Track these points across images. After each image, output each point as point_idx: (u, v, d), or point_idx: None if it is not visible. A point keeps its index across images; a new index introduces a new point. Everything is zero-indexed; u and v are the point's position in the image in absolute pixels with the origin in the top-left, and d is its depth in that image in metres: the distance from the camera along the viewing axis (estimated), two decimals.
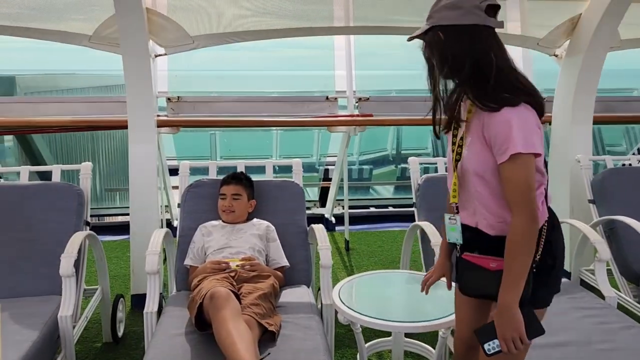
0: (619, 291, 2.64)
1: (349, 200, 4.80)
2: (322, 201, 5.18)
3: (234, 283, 1.96)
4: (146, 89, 2.94)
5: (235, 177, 2.46)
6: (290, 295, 2.23)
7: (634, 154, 4.98)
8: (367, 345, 2.24)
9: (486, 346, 1.30)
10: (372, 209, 5.40)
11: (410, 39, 1.39)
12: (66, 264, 2.02)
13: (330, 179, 4.81)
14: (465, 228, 1.42)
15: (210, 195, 2.52)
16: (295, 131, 6.50)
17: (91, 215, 5.14)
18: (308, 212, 5.14)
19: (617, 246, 2.65)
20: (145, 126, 2.97)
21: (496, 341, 1.29)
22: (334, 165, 4.77)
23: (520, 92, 1.28)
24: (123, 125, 3.05)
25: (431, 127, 1.50)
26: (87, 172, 2.62)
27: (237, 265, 2.10)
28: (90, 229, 2.52)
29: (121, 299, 2.72)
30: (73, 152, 5.17)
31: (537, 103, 1.31)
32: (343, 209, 4.42)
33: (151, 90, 2.95)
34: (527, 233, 1.27)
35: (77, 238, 2.17)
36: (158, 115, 3.56)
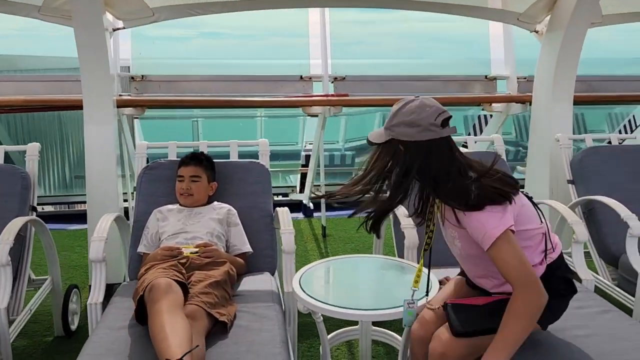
0: (597, 274, 2.55)
1: (330, 185, 4.68)
2: (303, 187, 5.05)
3: (184, 271, 1.80)
4: (102, 65, 2.74)
5: (194, 158, 2.29)
6: (251, 283, 2.08)
7: None
8: (333, 334, 2.11)
9: None
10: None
11: (370, 144, 1.47)
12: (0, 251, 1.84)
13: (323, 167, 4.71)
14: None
15: (168, 178, 2.35)
16: (281, 118, 6.35)
17: (60, 203, 5.01)
18: (285, 198, 5.07)
19: (595, 227, 2.55)
20: (101, 105, 2.78)
21: None
22: None
23: (483, 193, 1.35)
24: (79, 105, 2.86)
25: None
26: (34, 153, 2.44)
27: (191, 253, 1.94)
28: (37, 215, 2.34)
29: (74, 289, 2.56)
30: (39, 138, 4.94)
31: (505, 185, 1.40)
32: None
33: (107, 66, 2.75)
34: (530, 307, 1.32)
35: (15, 224, 1.99)
36: (120, 95, 3.38)
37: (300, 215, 4.66)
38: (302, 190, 4.98)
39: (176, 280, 1.65)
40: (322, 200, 4.11)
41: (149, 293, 1.58)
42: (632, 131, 5.27)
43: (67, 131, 5.18)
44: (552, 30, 3.19)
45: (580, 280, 2.08)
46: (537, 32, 3.38)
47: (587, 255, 2.63)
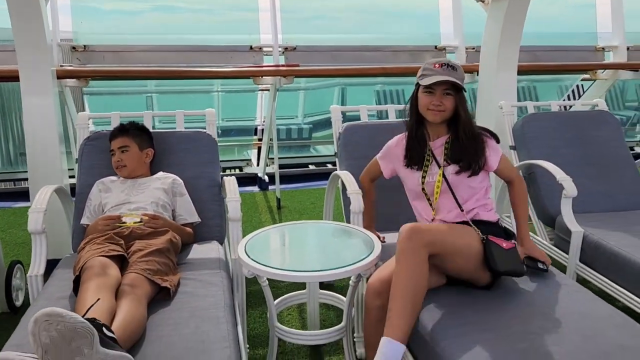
0: (536, 235, 2.67)
1: (287, 158, 4.69)
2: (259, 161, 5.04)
3: (122, 242, 1.77)
4: (38, 33, 2.61)
5: (120, 129, 2.23)
6: (198, 251, 2.08)
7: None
8: (281, 298, 2.14)
9: (541, 266, 1.83)
10: (312, 167, 5.33)
11: (454, 85, 1.78)
12: None
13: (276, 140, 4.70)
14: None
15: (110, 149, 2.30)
16: (238, 93, 6.25)
17: (5, 180, 4.81)
18: (240, 172, 5.04)
19: (535, 191, 2.66)
20: (39, 75, 2.67)
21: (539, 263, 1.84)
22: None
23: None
24: (15, 76, 2.73)
25: (375, 88, 2.42)
26: None
27: (134, 222, 1.92)
28: None
29: (18, 265, 2.49)
30: None
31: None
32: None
33: (44, 34, 2.63)
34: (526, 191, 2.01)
35: None
36: (62, 66, 3.25)
37: (255, 189, 4.66)
38: (258, 164, 4.97)
39: (113, 255, 1.64)
40: (277, 173, 4.11)
41: (83, 273, 1.56)
42: (578, 99, 5.48)
43: (10, 106, 4.94)
44: (497, 0, 3.25)
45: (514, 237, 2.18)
46: (483, 1, 3.43)
47: (529, 218, 2.76)
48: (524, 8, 3.17)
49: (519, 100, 3.04)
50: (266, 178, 4.59)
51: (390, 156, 2.04)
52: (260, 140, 5.19)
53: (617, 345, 1.41)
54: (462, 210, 1.82)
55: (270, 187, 4.53)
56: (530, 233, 2.63)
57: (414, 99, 1.89)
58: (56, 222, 2.41)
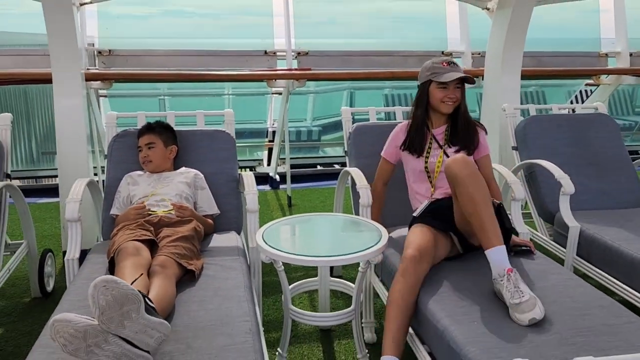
0: (537, 231, 2.81)
1: (297, 158, 4.86)
2: (270, 161, 5.21)
3: (152, 229, 1.95)
4: (70, 39, 2.81)
5: (147, 127, 2.42)
6: (218, 240, 2.25)
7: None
8: (294, 285, 2.30)
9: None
10: (320, 168, 5.50)
11: (467, 80, 2.12)
12: None
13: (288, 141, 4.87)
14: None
15: (137, 145, 2.48)
16: (248, 96, 6.43)
17: (28, 177, 5.03)
18: (253, 172, 5.21)
19: (535, 189, 2.80)
20: (70, 78, 2.86)
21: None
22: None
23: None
24: (48, 79, 2.93)
25: (383, 92, 2.56)
26: (6, 123, 2.52)
27: (162, 211, 2.09)
28: (11, 180, 2.43)
29: (49, 253, 2.68)
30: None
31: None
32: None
33: (75, 39, 2.82)
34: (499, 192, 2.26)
35: None
36: (88, 69, 3.44)
37: (267, 187, 4.83)
38: (269, 164, 5.15)
39: (143, 240, 1.81)
40: (288, 172, 4.28)
41: (117, 255, 1.73)
42: (582, 102, 5.61)
43: (34, 107, 5.17)
44: (502, 7, 3.40)
45: (517, 234, 2.32)
46: (488, 9, 3.59)
47: (530, 215, 2.90)
48: (527, 15, 3.32)
49: (526, 103, 3.19)
50: (277, 177, 4.76)
51: (397, 141, 2.28)
52: (271, 141, 5.37)
53: (601, 324, 1.55)
54: None
55: (281, 186, 4.69)
56: (531, 229, 2.79)
57: (425, 94, 2.16)
58: (85, 214, 2.59)
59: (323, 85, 5.87)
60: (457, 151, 2.13)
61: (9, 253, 2.47)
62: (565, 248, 2.49)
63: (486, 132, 2.25)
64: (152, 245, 1.88)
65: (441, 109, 2.14)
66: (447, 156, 2.12)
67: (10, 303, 2.56)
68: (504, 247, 1.73)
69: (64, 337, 1.22)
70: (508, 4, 3.32)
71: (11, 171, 4.35)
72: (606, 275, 2.27)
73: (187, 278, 1.83)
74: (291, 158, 5.11)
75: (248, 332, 1.53)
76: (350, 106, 6.43)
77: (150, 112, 2.67)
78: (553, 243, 2.66)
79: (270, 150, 5.22)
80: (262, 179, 5.02)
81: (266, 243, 1.93)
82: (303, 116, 6.47)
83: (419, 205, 2.14)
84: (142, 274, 1.56)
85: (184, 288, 1.77)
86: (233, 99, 6.28)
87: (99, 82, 3.43)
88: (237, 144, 2.61)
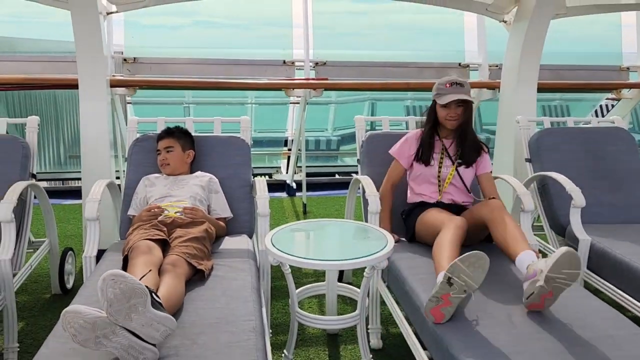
0: (548, 243, 2.80)
1: (315, 167, 4.93)
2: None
3: (165, 229, 2.02)
4: (96, 46, 2.94)
5: (167, 132, 2.51)
6: (229, 243, 2.32)
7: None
8: (301, 289, 2.35)
9: None
10: (337, 176, 5.57)
11: (464, 101, 2.30)
12: (5, 209, 2.06)
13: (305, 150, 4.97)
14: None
15: (156, 149, 2.57)
16: (271, 106, 6.56)
17: (56, 179, 5.21)
18: (269, 179, 5.31)
19: (548, 201, 2.80)
20: (96, 84, 2.99)
21: None
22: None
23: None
24: (74, 85, 3.06)
25: (405, 103, 2.84)
26: (34, 125, 2.64)
27: (175, 213, 2.17)
28: (37, 180, 2.55)
29: (70, 252, 2.78)
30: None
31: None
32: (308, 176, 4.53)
33: (101, 47, 2.96)
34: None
35: (18, 186, 2.20)
36: (114, 76, 3.58)
37: (284, 195, 4.90)
38: (287, 172, 5.23)
39: (156, 239, 1.88)
40: (304, 180, 4.34)
41: (130, 253, 1.82)
42: (602, 116, 5.55)
43: (63, 112, 5.37)
44: (519, 20, 3.42)
45: None
46: (505, 22, 3.61)
47: (542, 228, 2.89)
48: (544, 28, 3.33)
49: (550, 117, 3.21)
50: (294, 185, 4.83)
51: (411, 148, 2.45)
52: (290, 150, 5.46)
53: (603, 335, 1.56)
54: (470, 192, 2.41)
55: (297, 194, 4.76)
56: (542, 241, 2.78)
57: (433, 111, 2.40)
58: (105, 215, 2.69)
59: (344, 96, 5.95)
60: (467, 166, 2.38)
61: (32, 250, 2.58)
62: None
63: (488, 151, 2.46)
64: (165, 245, 1.96)
65: (446, 125, 2.36)
66: (458, 171, 2.38)
67: (31, 298, 2.67)
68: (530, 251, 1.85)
69: (74, 328, 1.29)
70: (525, 17, 3.34)
71: (39, 173, 4.54)
72: (616, 289, 2.25)
73: (197, 278, 1.90)
74: (310, 166, 5.19)
75: (252, 330, 1.58)
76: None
77: (170, 118, 2.77)
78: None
79: (288, 159, 5.30)
80: (280, 186, 5.11)
81: (274, 246, 1.99)
82: (324, 126, 6.56)
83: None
84: (150, 270, 1.64)
85: (193, 287, 1.84)
86: (256, 108, 6.41)
87: (123, 88, 3.56)
88: (257, 152, 2.69)
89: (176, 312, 1.65)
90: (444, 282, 1.61)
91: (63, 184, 5.21)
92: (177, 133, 2.51)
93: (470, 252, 1.61)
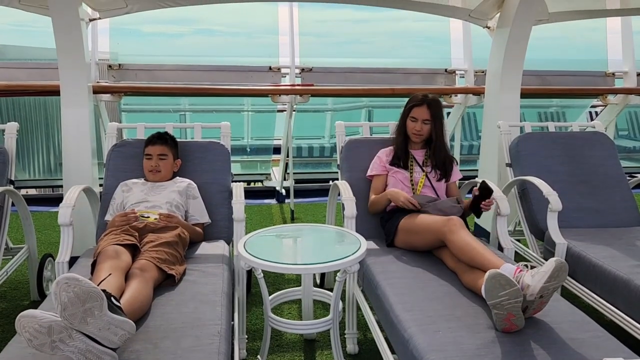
0: (528, 248, 2.80)
1: (309, 173, 4.95)
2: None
3: (136, 234, 2.02)
4: (78, 53, 2.95)
5: (160, 137, 2.51)
6: (205, 248, 2.32)
7: None
8: (277, 294, 2.34)
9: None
10: (331, 183, 5.56)
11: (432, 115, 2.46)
12: None
13: (293, 156, 4.99)
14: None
15: (135, 155, 2.58)
16: (266, 114, 6.58)
17: (45, 187, 5.20)
18: (259, 185, 5.31)
19: (527, 206, 2.80)
20: (78, 90, 2.99)
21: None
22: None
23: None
24: (57, 91, 3.07)
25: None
26: (12, 131, 2.65)
27: (151, 218, 2.17)
28: (15, 187, 2.55)
29: (49, 258, 2.78)
30: (25, 125, 5.13)
31: None
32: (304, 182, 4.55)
33: (83, 54, 2.96)
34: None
35: None
36: (98, 82, 3.59)
37: (273, 202, 4.90)
38: (284, 178, 5.21)
39: (126, 244, 1.88)
40: (292, 187, 4.34)
41: (98, 258, 1.82)
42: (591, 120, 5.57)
43: (53, 119, 5.38)
44: (501, 26, 3.43)
45: (502, 249, 2.33)
46: (489, 28, 3.63)
47: (522, 233, 2.89)
48: (526, 34, 3.34)
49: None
50: (283, 191, 4.83)
51: (384, 163, 2.55)
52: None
53: (568, 338, 1.56)
54: (439, 198, 2.45)
55: (287, 200, 4.76)
56: (522, 246, 2.78)
57: (403, 122, 2.52)
58: (85, 222, 2.70)
59: (341, 104, 5.96)
60: (438, 179, 2.49)
61: (10, 257, 2.58)
62: None
63: (457, 164, 2.58)
64: (136, 250, 1.96)
65: (412, 138, 2.51)
66: (429, 179, 2.48)
67: (10, 305, 2.66)
68: (507, 264, 1.80)
69: (29, 332, 1.29)
70: (507, 22, 3.35)
71: (28, 180, 4.53)
72: (591, 293, 2.25)
73: (168, 282, 1.89)
74: (303, 173, 5.20)
75: (216, 334, 1.58)
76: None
77: (150, 124, 2.77)
78: (543, 260, 2.64)
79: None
80: (271, 193, 5.11)
81: (246, 251, 1.99)
82: (321, 133, 6.59)
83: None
84: (110, 274, 1.63)
85: (163, 292, 1.84)
86: (252, 116, 6.43)
87: (108, 95, 3.57)
88: (251, 159, 2.70)
89: (142, 317, 1.64)
90: (536, 300, 1.59)
91: (53, 191, 5.21)
92: (170, 140, 2.51)
93: (557, 264, 1.60)
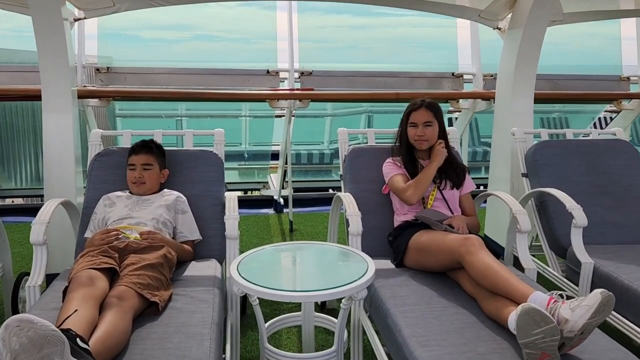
0: (548, 266, 2.58)
1: (308, 182, 4.74)
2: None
3: (116, 255, 1.79)
4: (60, 54, 2.73)
5: (145, 146, 2.29)
6: (195, 269, 2.09)
7: None
8: (275, 320, 2.12)
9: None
10: (331, 191, 5.34)
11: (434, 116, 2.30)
12: None
13: (292, 163, 4.79)
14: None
15: (119, 165, 2.36)
16: (266, 119, 6.39)
17: (31, 196, 4.97)
18: (257, 193, 5.10)
19: (546, 220, 2.58)
20: (60, 94, 2.78)
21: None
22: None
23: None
24: (38, 95, 2.85)
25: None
26: None
27: (135, 237, 1.95)
28: None
29: (26, 277, 2.54)
30: (12, 133, 4.91)
31: None
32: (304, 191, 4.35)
33: (66, 55, 2.75)
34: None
35: None
36: (85, 86, 3.38)
37: (271, 211, 4.68)
38: (282, 187, 4.99)
39: (103, 268, 1.66)
40: (290, 196, 4.13)
41: (69, 285, 1.59)
42: (602, 129, 5.35)
43: (41, 126, 5.16)
44: (513, 27, 3.23)
45: (523, 270, 2.11)
46: (499, 29, 3.43)
47: (541, 248, 2.68)
48: (540, 36, 3.14)
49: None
50: (281, 201, 4.61)
51: (398, 166, 2.34)
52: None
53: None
54: (453, 213, 2.26)
55: (285, 210, 4.54)
56: (542, 264, 2.57)
57: (404, 132, 2.33)
58: (65, 237, 2.48)
59: (341, 109, 5.77)
60: (451, 187, 2.29)
61: None
62: (577, 286, 2.26)
63: (469, 172, 2.40)
64: (115, 274, 1.74)
65: (416, 145, 2.31)
66: (441, 192, 2.27)
67: None
68: (537, 292, 1.58)
69: None
70: (520, 23, 3.15)
71: (14, 189, 4.29)
72: (623, 318, 2.03)
73: (151, 311, 1.67)
74: (302, 181, 4.99)
75: None
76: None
77: (137, 131, 2.56)
78: (565, 280, 2.43)
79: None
80: (268, 202, 4.89)
81: (240, 274, 1.77)
82: (320, 139, 6.39)
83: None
84: (75, 310, 1.40)
85: (144, 322, 1.61)
86: (250, 121, 6.24)
87: (96, 100, 3.35)
88: (248, 166, 2.50)
89: (119, 355, 1.42)
90: (576, 336, 1.39)
91: (41, 201, 4.97)
92: (155, 149, 2.29)
93: (604, 297, 1.40)
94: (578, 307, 1.40)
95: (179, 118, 6.03)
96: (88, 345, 1.24)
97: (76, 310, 1.39)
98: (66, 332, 1.16)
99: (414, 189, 2.18)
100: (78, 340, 1.19)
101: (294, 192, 4.86)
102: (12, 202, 4.69)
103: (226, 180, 2.47)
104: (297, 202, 4.70)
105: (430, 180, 2.20)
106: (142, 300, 1.63)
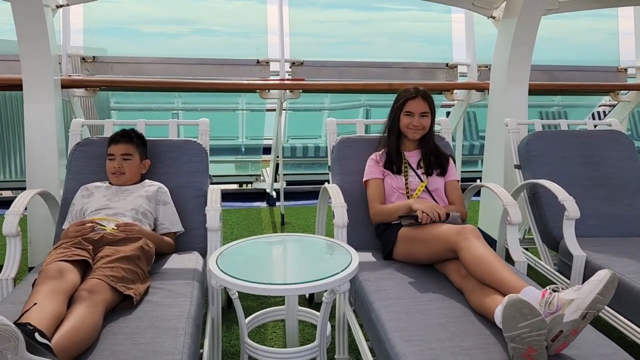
0: (540, 259, 2.52)
1: (290, 175, 4.67)
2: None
3: (90, 247, 1.73)
4: (41, 43, 2.66)
5: (124, 135, 2.22)
6: (175, 261, 2.03)
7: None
8: (257, 314, 2.07)
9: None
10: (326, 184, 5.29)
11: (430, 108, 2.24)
12: None
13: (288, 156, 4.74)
14: None
15: (100, 155, 2.29)
16: (262, 112, 6.32)
17: (20, 189, 4.90)
18: (249, 187, 5.03)
19: (539, 212, 2.53)
20: (42, 83, 2.71)
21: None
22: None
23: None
24: (20, 85, 2.78)
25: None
26: None
27: (112, 229, 1.89)
28: None
29: None
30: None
31: None
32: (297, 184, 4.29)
33: (48, 44, 2.68)
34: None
35: None
36: (70, 76, 3.31)
37: (263, 204, 4.62)
38: (276, 180, 4.93)
39: (75, 260, 1.60)
40: (282, 189, 4.06)
41: (37, 278, 1.53)
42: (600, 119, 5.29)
43: None
44: (508, 16, 3.16)
45: (513, 263, 2.06)
46: (494, 18, 3.35)
47: (533, 241, 2.62)
48: (534, 25, 3.07)
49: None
50: (274, 194, 4.54)
51: (379, 162, 2.28)
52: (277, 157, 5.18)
53: None
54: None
55: (277, 203, 4.48)
56: (534, 257, 2.51)
57: (396, 120, 2.25)
58: (48, 229, 2.41)
59: (338, 102, 5.69)
60: (438, 174, 2.24)
61: None
62: (569, 279, 2.20)
63: (454, 161, 2.35)
64: (88, 267, 1.67)
65: (408, 134, 2.24)
66: (428, 190, 2.20)
67: None
68: (530, 287, 1.52)
69: None
70: (514, 12, 3.08)
71: (3, 182, 4.22)
72: (615, 313, 1.98)
73: (125, 305, 1.61)
74: (296, 174, 4.92)
75: None
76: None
77: (119, 120, 2.49)
78: (557, 273, 2.37)
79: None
80: (261, 195, 4.83)
81: (219, 267, 1.71)
82: (318, 133, 6.32)
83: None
84: (35, 304, 1.34)
85: (117, 317, 1.55)
86: (247, 114, 6.17)
87: (82, 89, 3.28)
88: (243, 159, 2.43)
89: (87, 350, 1.36)
90: (578, 319, 1.32)
91: None
92: (136, 138, 2.22)
93: (607, 276, 1.34)
94: (586, 284, 1.35)
95: (175, 112, 5.97)
96: (49, 340, 1.18)
97: (35, 304, 1.32)
98: (23, 326, 1.10)
99: (377, 215, 2.15)
100: (37, 335, 1.13)
101: (289, 185, 4.81)
102: (1, 194, 4.62)
103: (222, 173, 2.42)
104: (292, 196, 4.63)
105: (393, 215, 2.07)
106: (115, 293, 1.57)
